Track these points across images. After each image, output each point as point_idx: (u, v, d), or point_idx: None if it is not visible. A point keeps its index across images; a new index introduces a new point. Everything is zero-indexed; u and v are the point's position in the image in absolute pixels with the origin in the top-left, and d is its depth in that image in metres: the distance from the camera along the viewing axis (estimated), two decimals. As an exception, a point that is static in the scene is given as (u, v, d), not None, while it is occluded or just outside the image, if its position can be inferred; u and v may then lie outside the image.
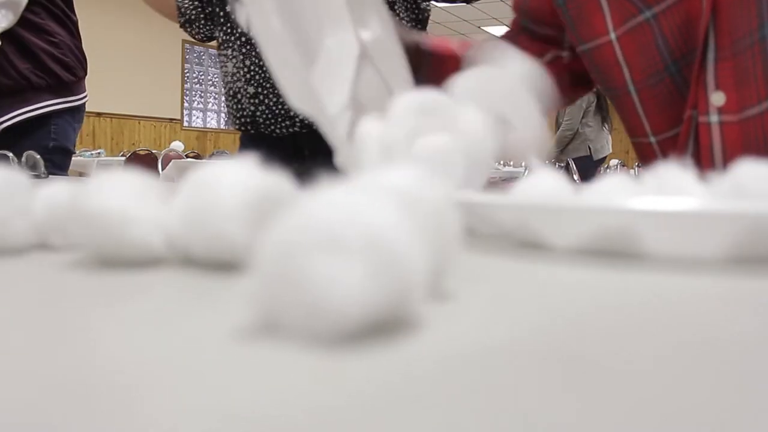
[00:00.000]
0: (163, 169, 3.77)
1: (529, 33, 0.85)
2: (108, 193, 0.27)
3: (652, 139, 0.74)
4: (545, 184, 0.38)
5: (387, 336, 0.17)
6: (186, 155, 4.93)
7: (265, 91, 1.06)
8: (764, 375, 0.16)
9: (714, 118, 0.65)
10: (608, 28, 0.71)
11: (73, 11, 1.65)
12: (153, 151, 4.82)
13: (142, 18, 6.80)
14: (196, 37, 1.22)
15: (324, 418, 0.12)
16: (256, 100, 1.07)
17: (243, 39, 1.07)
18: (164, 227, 0.28)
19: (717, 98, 0.64)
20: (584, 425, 0.12)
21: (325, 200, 0.17)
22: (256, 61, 1.05)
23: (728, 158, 0.64)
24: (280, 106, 1.06)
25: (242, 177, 0.26)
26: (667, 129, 0.72)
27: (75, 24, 1.66)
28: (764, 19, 0.61)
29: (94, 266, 0.28)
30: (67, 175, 1.64)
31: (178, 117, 7.73)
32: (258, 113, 1.07)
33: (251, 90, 1.07)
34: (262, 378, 0.15)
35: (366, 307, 0.16)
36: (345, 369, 0.15)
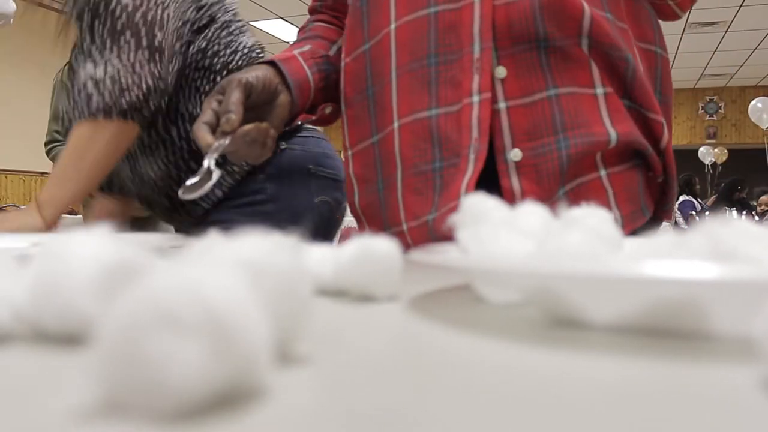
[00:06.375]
0: (32, 226, 3.55)
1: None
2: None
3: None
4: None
5: (231, 408, 0.18)
6: (59, 211, 4.66)
7: None
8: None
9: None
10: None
11: None
12: (21, 208, 4.53)
13: (10, 67, 6.47)
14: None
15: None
16: None
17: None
18: (12, 300, 0.27)
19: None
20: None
21: (165, 276, 0.17)
22: None
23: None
24: None
25: (94, 248, 0.26)
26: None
27: None
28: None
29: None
30: None
31: (50, 171, 7.28)
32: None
33: None
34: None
35: (206, 384, 0.17)
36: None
